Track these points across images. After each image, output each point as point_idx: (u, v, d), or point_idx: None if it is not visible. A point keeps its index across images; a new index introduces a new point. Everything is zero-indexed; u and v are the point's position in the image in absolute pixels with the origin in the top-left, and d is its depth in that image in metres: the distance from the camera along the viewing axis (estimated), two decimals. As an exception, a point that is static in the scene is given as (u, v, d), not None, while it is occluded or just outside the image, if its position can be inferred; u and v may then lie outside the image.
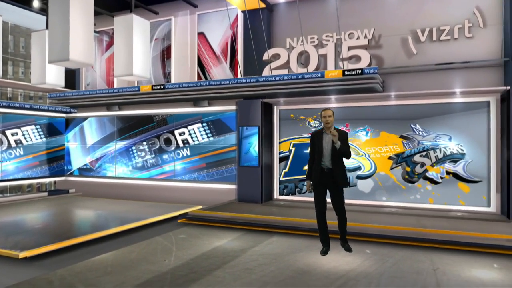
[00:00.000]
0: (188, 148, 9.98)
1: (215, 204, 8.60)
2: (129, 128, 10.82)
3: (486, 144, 7.34)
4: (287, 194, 8.97)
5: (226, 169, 9.48)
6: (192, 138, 9.90)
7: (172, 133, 10.17)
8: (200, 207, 8.57)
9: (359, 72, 7.05)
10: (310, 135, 8.55)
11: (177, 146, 10.10)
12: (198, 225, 7.29)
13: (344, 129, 7.19)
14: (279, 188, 9.07)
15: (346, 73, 7.17)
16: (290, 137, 9.00)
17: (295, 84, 7.67)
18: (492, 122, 7.32)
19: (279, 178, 9.06)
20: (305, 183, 5.30)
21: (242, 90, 8.22)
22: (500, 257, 5.18)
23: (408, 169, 7.89)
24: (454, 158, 7.56)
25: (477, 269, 4.64)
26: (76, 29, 6.29)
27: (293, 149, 8.93)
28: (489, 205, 7.33)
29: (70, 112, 11.54)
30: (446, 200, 7.60)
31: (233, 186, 9.26)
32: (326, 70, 7.46)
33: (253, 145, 8.79)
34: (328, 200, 5.31)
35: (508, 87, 6.82)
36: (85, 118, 11.52)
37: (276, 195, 9.10)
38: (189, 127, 9.92)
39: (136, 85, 10.13)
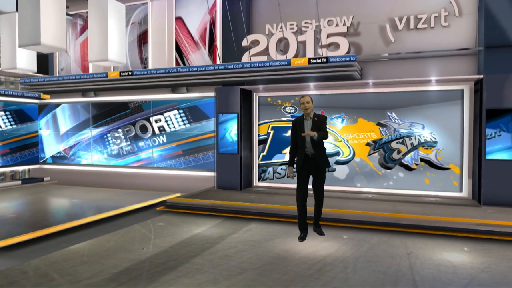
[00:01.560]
0: (164, 135, 9.87)
1: (194, 192, 8.57)
2: (104, 115, 10.61)
3: (460, 132, 7.53)
4: (265, 179, 9.01)
5: (203, 156, 9.44)
6: (168, 125, 9.80)
7: (148, 120, 10.03)
8: (178, 194, 8.53)
9: (324, 60, 7.16)
10: (291, 122, 8.65)
11: (153, 133, 9.98)
12: (177, 213, 7.26)
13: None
14: (258, 171, 9.10)
15: (312, 61, 7.27)
16: (268, 120, 9.00)
17: (263, 72, 7.66)
18: (466, 110, 7.50)
19: (258, 162, 9.10)
20: (287, 169, 5.36)
21: (220, 77, 8.14)
22: (470, 240, 5.37)
23: (385, 155, 8.04)
24: (428, 146, 7.75)
25: (448, 252, 4.80)
26: (47, 12, 6.07)
27: (272, 132, 8.94)
28: (461, 191, 7.56)
29: (44, 98, 11.20)
30: (420, 186, 7.80)
31: (212, 173, 9.23)
32: (292, 58, 7.53)
33: (229, 130, 8.75)
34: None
35: (481, 76, 6.98)
36: (58, 105, 11.21)
37: (256, 182, 9.13)
38: (165, 114, 9.81)
39: (112, 70, 9.88)
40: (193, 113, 9.53)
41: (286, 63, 7.47)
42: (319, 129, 5.26)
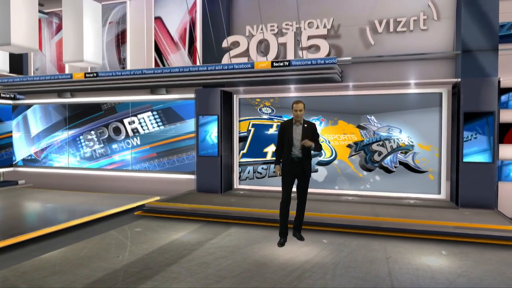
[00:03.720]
0: (138, 137, 9.70)
1: (173, 195, 8.43)
2: (76, 117, 10.38)
3: (438, 135, 7.61)
4: (245, 179, 8.92)
5: (178, 158, 9.31)
6: (142, 127, 9.63)
7: (121, 122, 9.84)
8: (157, 198, 8.37)
9: (287, 64, 7.22)
10: (272, 119, 8.61)
11: (127, 135, 9.79)
12: (155, 217, 7.11)
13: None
14: (238, 171, 9.02)
15: (275, 64, 7.33)
16: (248, 117, 8.92)
17: (242, 73, 7.60)
18: (444, 113, 7.59)
19: (238, 160, 9.01)
20: (275, 167, 5.38)
21: (200, 79, 8.02)
22: (448, 243, 5.41)
23: (366, 157, 8.07)
24: (405, 149, 7.82)
25: (426, 256, 4.82)
26: (18, 11, 5.84)
27: (252, 129, 8.87)
28: (439, 193, 7.64)
29: (18, 99, 10.86)
30: (400, 188, 7.85)
31: (192, 176, 9.10)
32: (255, 61, 7.56)
33: (210, 133, 8.64)
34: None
35: (459, 79, 7.07)
36: (29, 106, 10.91)
37: (236, 185, 9.04)
38: (139, 116, 9.64)
39: (89, 71, 9.62)
40: (167, 114, 9.40)
41: (249, 66, 7.50)
42: (312, 138, 5.33)
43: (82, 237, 5.81)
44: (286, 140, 5.37)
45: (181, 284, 4.00)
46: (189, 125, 9.15)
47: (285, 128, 5.44)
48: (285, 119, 8.18)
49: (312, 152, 5.48)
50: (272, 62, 7.34)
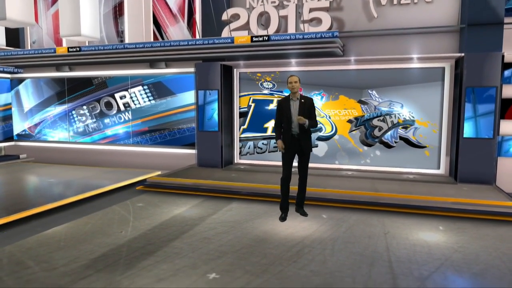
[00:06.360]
0: (130, 112, 9.69)
1: (174, 170, 8.49)
2: (67, 92, 10.34)
3: (439, 110, 7.58)
4: (245, 155, 8.96)
5: (169, 132, 9.33)
6: (133, 101, 9.61)
7: (112, 96, 9.83)
8: (158, 173, 8.44)
9: (266, 38, 7.22)
10: (272, 95, 8.56)
11: (119, 110, 9.79)
12: (156, 192, 7.19)
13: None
14: (239, 146, 9.05)
15: (254, 39, 7.31)
16: (249, 93, 8.87)
17: (241, 48, 7.53)
18: (446, 88, 7.52)
19: (239, 136, 9.03)
20: (277, 142, 5.38)
21: (199, 52, 7.91)
22: (446, 218, 5.50)
23: (366, 132, 8.07)
24: (406, 125, 7.80)
25: (424, 232, 4.91)
26: (13, -17, 5.69)
27: (253, 105, 8.84)
28: (438, 168, 7.69)
29: (16, 73, 10.75)
30: (400, 163, 7.89)
31: (191, 151, 9.13)
32: (235, 36, 7.53)
33: (217, 110, 8.61)
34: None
35: (463, 54, 6.96)
36: (21, 81, 10.85)
37: (237, 159, 9.09)
38: (130, 90, 9.60)
39: (87, 44, 9.46)
40: (158, 89, 9.40)
41: (229, 40, 7.48)
42: (308, 113, 5.32)
43: (85, 212, 5.91)
44: (285, 117, 5.36)
45: (184, 259, 4.09)
46: (195, 99, 9.02)
47: (283, 105, 5.42)
48: (286, 94, 8.14)
49: (311, 128, 5.47)
50: (251, 37, 7.33)
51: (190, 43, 7.76)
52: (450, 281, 3.62)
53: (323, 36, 6.90)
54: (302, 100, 5.36)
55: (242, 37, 7.39)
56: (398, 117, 7.83)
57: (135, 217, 5.58)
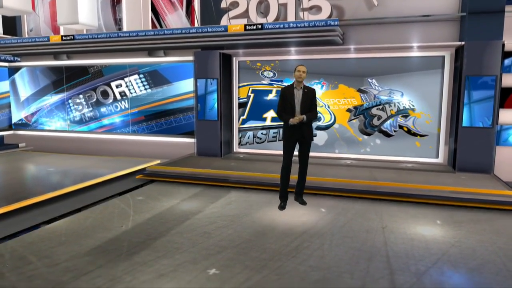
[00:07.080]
0: (126, 101, 9.64)
1: (174, 159, 8.51)
2: (64, 81, 10.27)
3: (439, 99, 7.55)
4: (245, 144, 8.98)
5: (165, 121, 9.32)
6: (129, 90, 9.55)
7: (108, 85, 9.76)
8: (158, 161, 8.45)
9: (259, 27, 7.19)
10: (271, 85, 8.52)
11: (115, 99, 9.74)
12: (156, 181, 7.23)
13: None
14: (238, 136, 9.05)
15: (248, 27, 7.31)
16: (248, 83, 8.82)
17: (241, 35, 7.50)
18: (446, 77, 7.48)
19: (238, 126, 9.03)
20: (291, 120, 5.34)
21: (198, 41, 7.83)
22: (443, 209, 5.56)
23: (365, 121, 8.06)
24: (405, 113, 7.79)
25: (422, 226, 4.96)
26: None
27: (252, 95, 8.81)
28: (437, 157, 7.72)
29: (14, 61, 10.65)
30: (398, 152, 7.91)
31: (192, 140, 9.14)
32: (229, 25, 7.50)
33: (216, 100, 8.57)
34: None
35: (463, 43, 6.90)
36: (17, 69, 10.75)
37: (236, 148, 9.10)
38: (126, 79, 9.54)
39: (85, 33, 9.34)
40: (154, 77, 9.35)
41: (223, 29, 7.48)
42: (310, 103, 5.37)
43: (85, 201, 5.98)
44: (289, 105, 5.40)
45: (184, 254, 4.14)
46: (194, 88, 8.96)
47: (286, 94, 5.45)
48: (286, 84, 8.10)
49: (311, 120, 5.48)
50: (245, 26, 7.31)
51: (184, 31, 7.69)
52: (447, 276, 3.68)
53: (316, 24, 6.88)
54: (305, 90, 5.41)
55: (235, 26, 7.36)
56: (398, 106, 7.80)
57: (135, 211, 5.62)
